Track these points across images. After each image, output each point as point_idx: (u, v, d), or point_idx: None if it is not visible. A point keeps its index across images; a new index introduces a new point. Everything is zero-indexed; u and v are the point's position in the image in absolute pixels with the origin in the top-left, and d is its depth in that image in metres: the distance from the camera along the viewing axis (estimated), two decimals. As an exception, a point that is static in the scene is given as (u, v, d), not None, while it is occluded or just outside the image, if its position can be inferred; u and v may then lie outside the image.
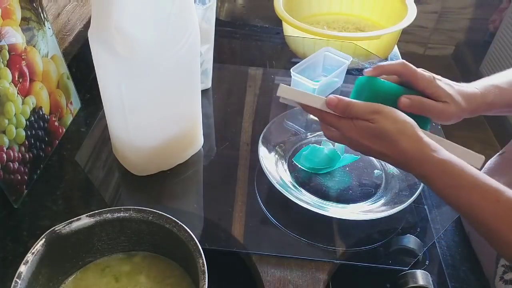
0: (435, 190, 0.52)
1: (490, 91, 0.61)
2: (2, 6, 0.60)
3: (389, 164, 0.73)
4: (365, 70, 0.61)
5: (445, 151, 0.52)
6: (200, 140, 0.74)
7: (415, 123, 0.54)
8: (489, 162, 0.73)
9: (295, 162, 0.71)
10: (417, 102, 0.58)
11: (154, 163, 0.68)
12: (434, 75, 0.60)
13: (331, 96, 0.55)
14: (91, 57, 0.58)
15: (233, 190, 0.68)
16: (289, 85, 0.86)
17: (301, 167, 0.71)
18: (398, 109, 0.56)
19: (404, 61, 0.61)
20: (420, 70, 0.60)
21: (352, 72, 0.95)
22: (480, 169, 0.55)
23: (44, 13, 0.71)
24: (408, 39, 2.29)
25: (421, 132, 0.53)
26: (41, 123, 0.69)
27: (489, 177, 0.50)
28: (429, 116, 0.59)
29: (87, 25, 0.92)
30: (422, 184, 0.66)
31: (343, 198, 0.67)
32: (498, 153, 0.72)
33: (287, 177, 0.69)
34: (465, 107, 0.59)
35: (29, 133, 0.66)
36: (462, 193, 0.49)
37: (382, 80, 0.59)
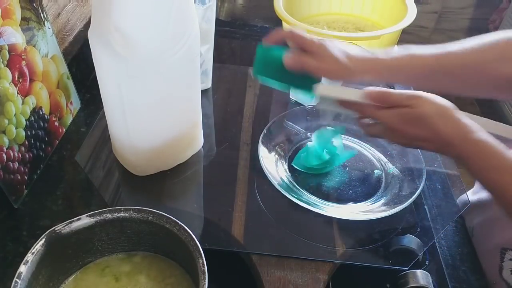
0: (472, 171, 0.52)
1: (401, 57, 0.61)
2: (2, 6, 0.60)
3: (389, 164, 0.73)
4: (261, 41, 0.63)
5: (484, 132, 0.52)
6: (200, 140, 0.74)
7: (454, 105, 0.54)
8: None
9: (295, 166, 0.71)
10: (297, 59, 0.59)
11: (154, 163, 0.68)
12: (325, 39, 0.61)
13: (369, 87, 0.57)
14: (91, 57, 0.58)
15: (233, 190, 0.68)
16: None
17: (302, 170, 0.71)
18: (290, 74, 0.59)
19: (292, 28, 0.63)
20: (309, 35, 0.61)
21: (352, 72, 0.95)
22: None
23: (44, 13, 0.71)
24: (408, 39, 2.28)
25: (460, 114, 0.53)
26: (41, 123, 0.69)
27: None
28: (311, 72, 0.60)
29: (87, 25, 0.92)
30: (422, 184, 0.66)
31: (343, 198, 0.67)
32: None
33: (287, 177, 0.69)
34: (349, 65, 0.59)
35: (29, 133, 0.66)
36: (497, 174, 0.50)
37: (274, 47, 0.61)
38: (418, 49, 0.61)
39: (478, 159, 0.51)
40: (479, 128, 0.52)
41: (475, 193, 0.73)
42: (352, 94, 0.58)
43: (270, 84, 0.63)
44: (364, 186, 0.70)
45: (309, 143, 0.73)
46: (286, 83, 0.62)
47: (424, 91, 0.59)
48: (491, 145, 0.51)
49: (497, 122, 0.58)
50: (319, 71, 0.60)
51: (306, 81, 0.61)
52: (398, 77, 0.63)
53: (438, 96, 0.55)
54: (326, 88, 0.60)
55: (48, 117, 0.71)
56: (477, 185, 0.75)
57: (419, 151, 0.72)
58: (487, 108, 2.11)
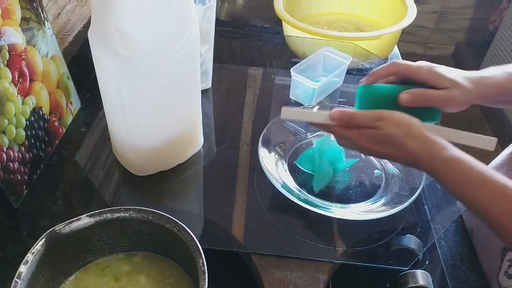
0: (445, 187, 0.53)
1: (500, 74, 0.60)
2: (2, 6, 0.60)
3: (389, 164, 0.73)
4: (360, 80, 0.62)
5: (453, 147, 0.52)
6: (200, 140, 0.74)
7: (420, 122, 0.54)
8: (500, 156, 0.72)
9: (298, 165, 0.71)
10: (417, 94, 0.57)
11: (154, 163, 0.68)
12: (432, 64, 0.59)
13: (334, 110, 0.57)
14: (91, 57, 0.58)
15: (233, 190, 0.68)
16: (289, 85, 0.86)
17: (305, 169, 0.70)
18: (402, 109, 0.55)
19: (394, 60, 0.61)
20: (416, 63, 0.60)
21: (352, 72, 0.95)
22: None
23: (44, 13, 0.71)
24: (408, 39, 2.29)
25: (427, 131, 0.53)
26: (41, 123, 0.69)
27: (497, 172, 0.50)
28: (435, 106, 0.58)
29: (87, 25, 0.92)
30: (422, 184, 0.66)
31: (343, 198, 0.67)
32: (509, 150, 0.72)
33: (287, 177, 0.69)
34: (471, 88, 0.57)
35: (29, 133, 0.66)
36: (470, 189, 0.50)
37: (378, 85, 0.60)
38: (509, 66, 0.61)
39: (451, 175, 0.51)
40: (448, 144, 0.52)
41: None
42: (318, 116, 0.59)
43: None
44: (364, 186, 0.70)
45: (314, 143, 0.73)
46: None
47: None
48: (463, 161, 0.51)
49: (466, 132, 0.57)
50: (443, 99, 0.57)
51: (423, 113, 0.57)
52: (505, 97, 0.62)
53: (404, 114, 0.54)
54: (292, 112, 0.61)
55: (48, 117, 0.71)
56: None
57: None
58: (487, 109, 2.11)
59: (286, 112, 0.60)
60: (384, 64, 0.61)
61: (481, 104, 0.64)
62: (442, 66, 0.60)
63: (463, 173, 0.50)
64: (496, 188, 0.49)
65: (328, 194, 0.67)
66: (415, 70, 0.58)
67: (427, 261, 0.62)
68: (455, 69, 0.60)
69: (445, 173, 0.51)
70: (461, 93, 0.57)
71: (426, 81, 0.58)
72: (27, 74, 0.65)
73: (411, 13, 1.03)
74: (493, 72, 0.61)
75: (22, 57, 0.64)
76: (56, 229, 0.47)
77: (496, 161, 0.73)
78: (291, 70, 0.84)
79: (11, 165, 0.62)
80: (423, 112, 0.57)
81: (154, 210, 0.49)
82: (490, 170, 0.50)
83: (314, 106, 0.67)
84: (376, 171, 0.72)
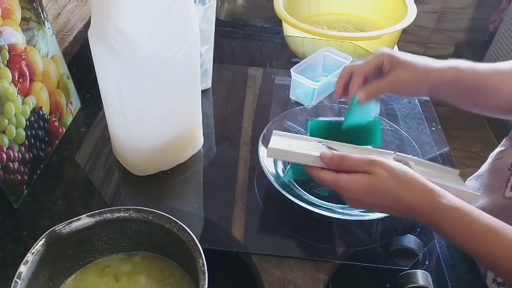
0: (449, 239, 0.51)
1: (463, 64, 0.63)
2: (2, 6, 0.60)
3: None
4: (333, 96, 0.67)
5: (451, 195, 0.50)
6: (200, 140, 0.74)
7: (411, 170, 0.53)
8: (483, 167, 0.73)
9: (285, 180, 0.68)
10: (369, 88, 0.61)
11: (154, 163, 0.68)
12: (388, 51, 0.63)
13: (325, 150, 0.56)
14: (91, 57, 0.58)
15: (233, 190, 0.68)
16: (289, 85, 0.86)
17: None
18: (345, 136, 0.61)
19: (345, 67, 0.66)
20: (374, 57, 0.63)
21: (352, 72, 0.95)
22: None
23: (44, 13, 0.71)
24: (408, 39, 2.29)
25: (423, 179, 0.51)
26: (41, 123, 0.69)
27: (502, 222, 0.49)
28: (387, 92, 0.63)
29: (87, 25, 0.92)
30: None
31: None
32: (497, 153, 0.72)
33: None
34: (422, 71, 0.60)
35: (29, 133, 0.66)
36: (478, 242, 0.48)
37: (325, 120, 0.68)
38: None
39: (457, 227, 0.49)
40: (443, 191, 0.51)
41: None
42: (307, 158, 0.57)
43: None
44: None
45: None
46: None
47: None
48: (468, 212, 0.49)
49: (450, 185, 0.57)
50: (389, 82, 0.61)
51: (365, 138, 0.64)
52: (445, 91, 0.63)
53: (395, 162, 0.53)
54: (278, 150, 0.59)
55: (48, 117, 0.71)
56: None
57: (419, 150, 0.72)
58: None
59: (273, 152, 0.59)
60: (341, 75, 0.65)
61: (440, 95, 0.65)
62: (400, 52, 0.63)
63: (469, 225, 0.48)
64: (505, 238, 0.47)
65: (328, 194, 0.67)
66: (375, 63, 0.62)
67: (427, 261, 0.62)
68: (414, 55, 0.63)
69: (450, 224, 0.49)
70: (408, 73, 0.60)
71: (384, 66, 0.61)
72: (27, 74, 0.65)
73: (411, 13, 1.03)
74: (454, 60, 0.63)
75: (22, 57, 0.64)
76: (56, 229, 0.47)
77: (480, 171, 0.73)
78: (291, 70, 0.84)
79: (11, 165, 0.62)
80: (364, 137, 0.65)
81: (154, 210, 0.49)
82: (495, 219, 0.49)
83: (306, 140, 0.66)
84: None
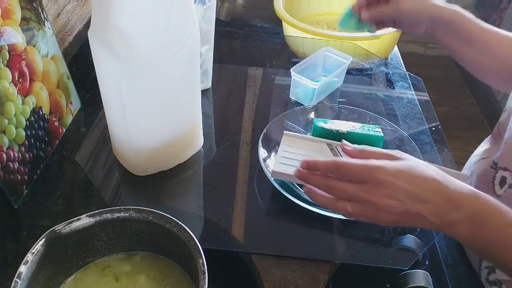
0: (489, 231, 0.44)
1: (462, 10, 0.68)
2: (2, 6, 0.60)
3: None
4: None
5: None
6: (200, 140, 0.74)
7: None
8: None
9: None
10: (373, 11, 0.70)
11: (154, 163, 0.68)
12: None
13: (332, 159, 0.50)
14: (91, 57, 0.58)
15: (233, 190, 0.68)
16: (289, 85, 0.86)
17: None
18: (350, 138, 0.65)
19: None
20: None
21: (352, 72, 0.95)
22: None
23: (44, 13, 0.71)
24: (408, 39, 2.28)
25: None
26: (41, 123, 0.69)
27: None
28: (388, 16, 0.71)
29: (87, 25, 0.92)
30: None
31: (343, 198, 0.67)
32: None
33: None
34: (422, 1, 0.67)
35: (29, 133, 0.66)
36: None
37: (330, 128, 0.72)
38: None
39: (495, 217, 0.44)
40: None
41: None
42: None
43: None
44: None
45: None
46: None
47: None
48: (498, 203, 0.45)
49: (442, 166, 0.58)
50: (391, 8, 0.68)
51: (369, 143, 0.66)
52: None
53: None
54: (282, 174, 0.62)
55: (48, 117, 0.71)
56: None
57: (419, 150, 0.72)
58: (487, 109, 2.11)
59: (277, 174, 0.63)
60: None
61: (438, 32, 0.71)
62: None
63: (506, 215, 0.44)
64: None
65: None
66: None
67: (427, 261, 0.62)
68: None
69: (497, 214, 0.44)
70: (411, 2, 0.66)
71: None
72: (27, 74, 0.66)
73: (411, 13, 1.03)
74: (459, 8, 0.69)
75: (22, 57, 0.64)
76: (56, 229, 0.47)
77: (467, 171, 0.73)
78: (291, 70, 0.84)
79: (11, 165, 0.62)
80: (368, 142, 0.67)
81: (154, 210, 0.49)
82: None
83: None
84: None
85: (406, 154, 0.49)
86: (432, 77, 1.75)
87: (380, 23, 0.75)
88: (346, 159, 0.50)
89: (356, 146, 0.53)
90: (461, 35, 0.66)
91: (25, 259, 0.44)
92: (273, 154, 0.72)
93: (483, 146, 0.72)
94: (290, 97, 0.88)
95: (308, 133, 0.77)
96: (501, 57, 0.65)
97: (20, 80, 0.64)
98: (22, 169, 0.64)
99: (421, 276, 0.56)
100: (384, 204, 0.46)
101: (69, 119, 0.78)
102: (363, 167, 0.47)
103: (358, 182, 0.48)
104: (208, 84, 0.88)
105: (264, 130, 0.73)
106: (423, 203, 0.45)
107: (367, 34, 0.87)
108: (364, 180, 0.47)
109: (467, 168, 0.73)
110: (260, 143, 0.70)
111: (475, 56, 0.67)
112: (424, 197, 0.45)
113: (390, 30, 0.98)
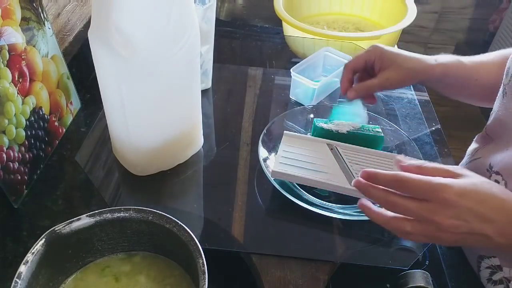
0: None
1: (449, 57, 0.66)
2: (2, 6, 0.60)
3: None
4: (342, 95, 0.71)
5: None
6: (200, 140, 0.74)
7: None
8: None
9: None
10: (359, 87, 0.66)
11: (154, 163, 0.68)
12: (381, 47, 0.66)
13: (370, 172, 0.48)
14: (91, 57, 0.58)
15: (233, 190, 0.68)
16: (289, 85, 0.86)
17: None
18: (351, 140, 0.67)
19: (346, 64, 0.69)
20: (366, 52, 0.67)
21: (352, 72, 0.95)
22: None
23: (44, 13, 0.71)
24: (408, 39, 2.29)
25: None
26: (41, 123, 0.69)
27: None
28: (376, 90, 0.68)
29: (87, 25, 0.92)
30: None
31: (343, 198, 0.67)
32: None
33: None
34: (410, 66, 0.64)
35: (29, 133, 0.66)
36: None
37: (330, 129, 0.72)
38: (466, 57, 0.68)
39: None
40: None
41: None
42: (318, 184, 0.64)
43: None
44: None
45: None
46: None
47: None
48: None
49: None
50: (380, 82, 0.65)
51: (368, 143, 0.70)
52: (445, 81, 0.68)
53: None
54: (283, 173, 0.64)
55: (48, 117, 0.71)
56: None
57: (419, 150, 0.72)
58: (487, 109, 2.11)
59: (276, 175, 0.64)
60: (343, 72, 0.70)
61: (429, 85, 0.71)
62: (391, 48, 0.66)
63: None
64: None
65: (328, 194, 0.67)
66: (364, 55, 0.67)
67: (427, 261, 0.62)
68: (403, 51, 0.67)
69: None
70: (397, 72, 0.64)
71: (375, 64, 0.65)
72: (27, 74, 0.66)
73: (411, 13, 1.03)
74: (444, 56, 0.67)
75: (22, 57, 0.64)
76: (56, 229, 0.47)
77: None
78: (291, 70, 0.84)
79: (11, 165, 0.62)
80: (368, 142, 0.69)
81: (154, 210, 0.49)
82: None
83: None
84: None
85: (466, 170, 0.46)
86: (432, 77, 1.74)
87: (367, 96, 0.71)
88: (408, 173, 0.46)
89: (412, 162, 0.48)
90: (453, 82, 0.68)
91: (25, 259, 0.44)
92: (273, 154, 0.72)
93: (474, 144, 0.72)
94: (290, 97, 0.88)
95: (308, 133, 0.77)
96: (490, 86, 0.67)
97: (20, 80, 0.64)
98: (22, 169, 0.64)
99: (421, 276, 0.56)
100: (449, 225, 0.44)
101: (69, 119, 0.78)
102: (428, 184, 0.44)
103: (420, 200, 0.45)
104: (208, 84, 0.88)
105: (264, 130, 0.73)
106: (488, 222, 0.43)
107: (367, 34, 0.87)
108: (428, 198, 0.44)
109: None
110: (260, 143, 0.70)
111: (468, 92, 0.70)
112: (489, 216, 0.43)
113: (390, 30, 0.98)
